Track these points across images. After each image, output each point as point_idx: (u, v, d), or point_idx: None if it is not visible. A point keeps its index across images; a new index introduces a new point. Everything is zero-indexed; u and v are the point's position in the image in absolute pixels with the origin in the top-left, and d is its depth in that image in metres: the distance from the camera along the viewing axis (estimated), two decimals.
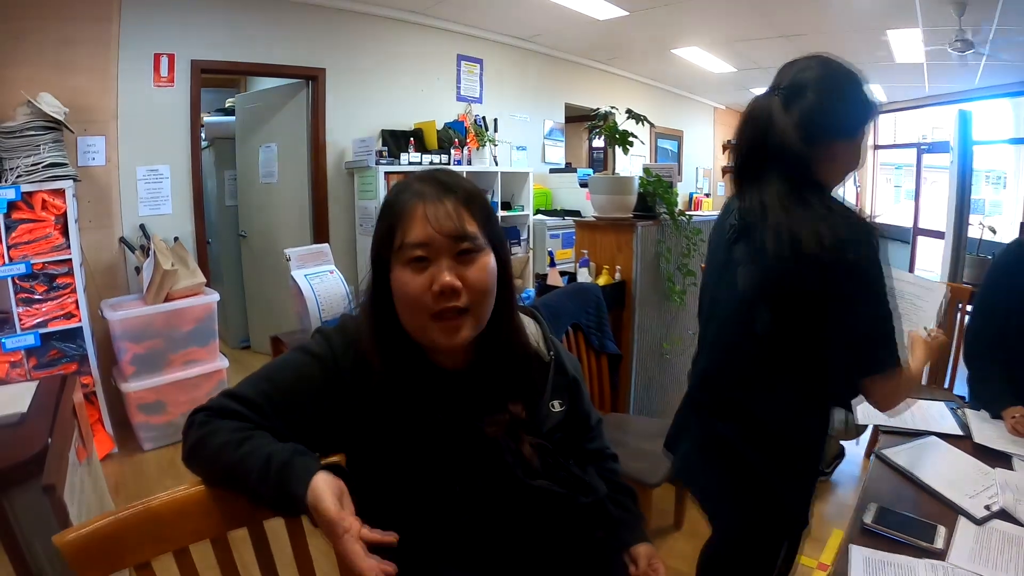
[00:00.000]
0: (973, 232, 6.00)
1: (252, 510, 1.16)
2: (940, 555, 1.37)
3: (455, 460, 1.17)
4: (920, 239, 9.23)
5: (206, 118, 5.87)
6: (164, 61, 4.46)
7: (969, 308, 2.68)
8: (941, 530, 1.45)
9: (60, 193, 3.55)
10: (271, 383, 1.17)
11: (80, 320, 3.66)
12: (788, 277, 1.38)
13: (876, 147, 11.15)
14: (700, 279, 3.85)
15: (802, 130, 1.41)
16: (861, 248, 1.34)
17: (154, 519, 1.07)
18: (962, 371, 3.13)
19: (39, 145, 3.51)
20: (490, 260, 1.15)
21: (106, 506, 2.63)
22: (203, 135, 5.23)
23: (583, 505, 1.26)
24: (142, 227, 4.38)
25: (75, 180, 3.67)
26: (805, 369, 1.48)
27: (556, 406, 1.32)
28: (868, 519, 1.50)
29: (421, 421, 1.15)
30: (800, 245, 1.34)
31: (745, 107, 1.53)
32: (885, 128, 11.27)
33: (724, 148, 12.21)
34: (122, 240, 4.30)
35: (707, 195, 10.93)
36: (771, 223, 1.40)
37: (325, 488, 1.00)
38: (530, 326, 1.36)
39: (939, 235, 7.22)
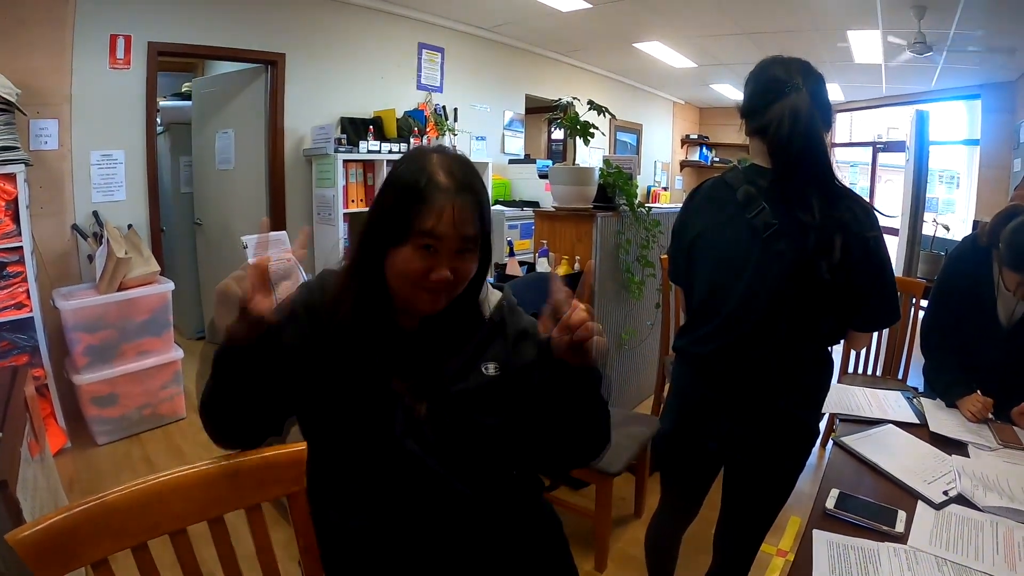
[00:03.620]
0: (927, 229, 6.13)
1: (213, 502, 1.15)
2: (901, 539, 1.42)
3: (358, 413, 1.26)
4: None
5: (162, 102, 5.74)
6: (120, 43, 4.34)
7: (924, 302, 2.75)
8: (901, 514, 1.50)
9: (11, 178, 3.43)
10: None
11: (31, 310, 3.56)
12: (851, 262, 1.59)
13: (833, 145, 11.31)
14: (660, 271, 3.91)
15: (823, 123, 1.63)
16: (879, 223, 1.66)
17: (111, 513, 1.06)
18: (914, 363, 3.20)
19: None
20: (476, 260, 1.29)
21: (60, 503, 2.58)
22: (158, 120, 5.12)
23: (459, 492, 1.29)
24: (95, 214, 4.27)
25: (27, 164, 3.55)
26: (839, 337, 1.79)
27: (490, 369, 1.35)
28: (830, 504, 1.55)
29: (354, 372, 1.26)
30: (851, 233, 1.58)
31: (776, 105, 1.62)
32: (842, 127, 11.41)
33: (683, 143, 12.31)
34: (75, 227, 4.20)
35: (665, 188, 11.01)
36: (822, 219, 1.58)
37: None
38: (494, 294, 1.45)
39: (893, 232, 7.39)
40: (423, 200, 1.20)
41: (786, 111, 1.59)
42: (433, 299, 1.25)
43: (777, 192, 1.65)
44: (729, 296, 1.74)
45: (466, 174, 1.26)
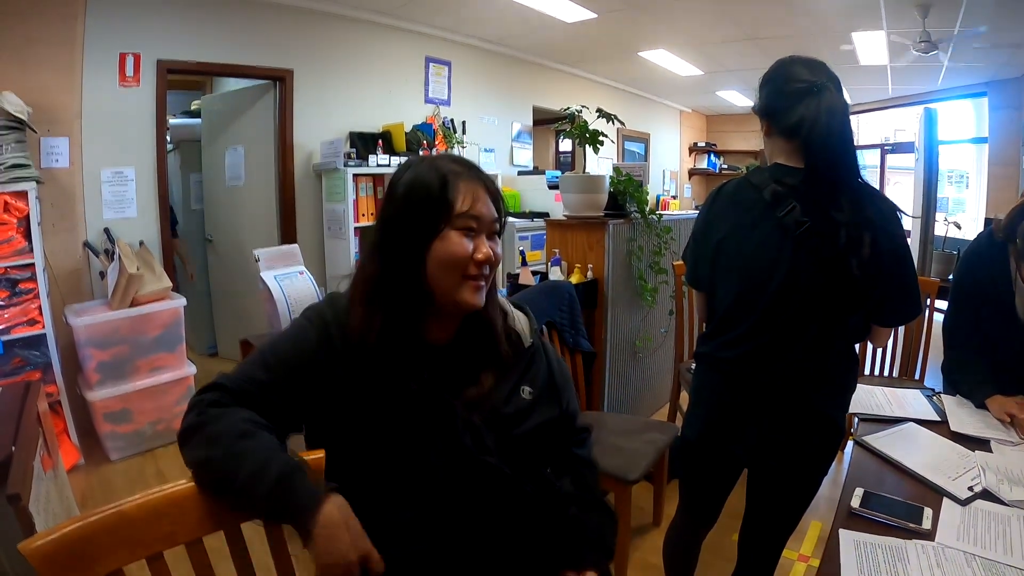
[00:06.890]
0: (939, 229, 6.10)
1: (228, 512, 1.14)
2: (928, 536, 1.39)
3: (415, 428, 1.24)
4: None
5: (171, 120, 5.79)
6: (130, 61, 4.38)
7: (939, 303, 2.71)
8: (927, 511, 1.47)
9: (23, 195, 3.45)
10: (273, 353, 1.26)
11: (44, 327, 3.57)
12: (879, 258, 1.60)
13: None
14: (673, 278, 3.89)
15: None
16: (902, 220, 1.68)
17: (126, 523, 1.04)
18: (931, 363, 3.16)
19: (1, 146, 3.42)
20: (499, 246, 1.35)
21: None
22: (168, 138, 5.14)
23: (528, 493, 1.30)
24: (106, 231, 4.29)
25: (38, 182, 3.57)
26: (864, 333, 1.80)
27: (525, 392, 1.38)
28: (855, 503, 1.52)
29: (397, 389, 1.24)
30: (878, 230, 1.59)
31: (808, 103, 1.63)
32: None
33: (691, 151, 12.31)
34: (86, 244, 4.21)
35: (674, 197, 11.00)
36: (852, 217, 1.59)
37: (340, 519, 1.06)
38: (520, 317, 1.46)
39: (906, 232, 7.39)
40: (454, 187, 1.26)
41: (822, 110, 1.58)
42: (477, 287, 1.28)
43: (805, 190, 1.64)
44: (760, 297, 1.70)
45: (471, 163, 1.35)
